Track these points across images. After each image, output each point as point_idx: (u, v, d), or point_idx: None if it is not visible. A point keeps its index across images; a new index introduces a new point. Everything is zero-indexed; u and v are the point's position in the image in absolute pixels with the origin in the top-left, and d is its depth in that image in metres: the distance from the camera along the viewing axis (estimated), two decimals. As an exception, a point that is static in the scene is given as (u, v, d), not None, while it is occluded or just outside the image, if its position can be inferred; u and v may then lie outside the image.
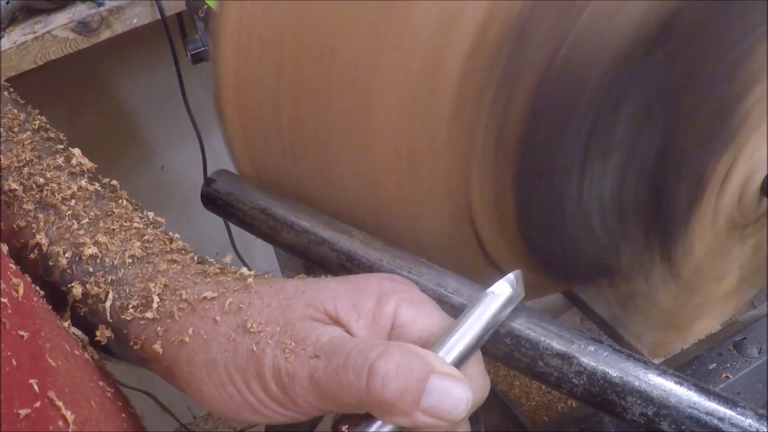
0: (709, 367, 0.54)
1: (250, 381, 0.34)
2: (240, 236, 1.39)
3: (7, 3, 1.05)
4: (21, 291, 0.31)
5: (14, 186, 0.41)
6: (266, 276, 0.39)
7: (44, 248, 0.40)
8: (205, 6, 0.99)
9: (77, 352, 0.35)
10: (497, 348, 0.37)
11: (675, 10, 0.38)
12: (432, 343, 0.35)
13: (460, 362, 0.34)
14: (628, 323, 0.51)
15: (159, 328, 0.36)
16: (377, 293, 0.36)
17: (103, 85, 1.38)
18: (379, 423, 0.33)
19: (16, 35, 1.06)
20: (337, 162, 0.47)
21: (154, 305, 0.37)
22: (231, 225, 0.89)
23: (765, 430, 0.32)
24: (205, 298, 0.36)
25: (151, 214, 0.44)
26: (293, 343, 0.33)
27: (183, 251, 0.41)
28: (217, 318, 0.36)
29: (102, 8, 1.06)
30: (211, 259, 0.41)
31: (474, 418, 0.45)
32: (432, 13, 0.39)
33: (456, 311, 0.39)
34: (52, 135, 0.47)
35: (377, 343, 0.33)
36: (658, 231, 0.47)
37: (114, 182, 0.46)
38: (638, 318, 0.52)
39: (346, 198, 0.48)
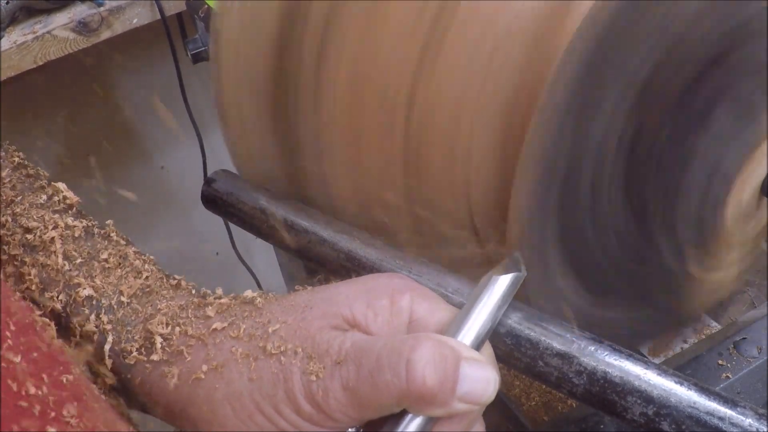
0: (710, 367, 0.54)
1: (280, 405, 0.33)
2: (240, 236, 1.39)
3: (7, 3, 1.05)
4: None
5: None
6: (270, 295, 0.38)
7: (35, 296, 0.38)
8: (205, 6, 0.99)
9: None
10: (497, 348, 0.37)
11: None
12: (447, 331, 0.35)
13: (478, 345, 0.35)
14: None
15: (167, 369, 0.34)
16: (390, 290, 0.36)
17: (103, 85, 1.38)
18: (407, 419, 0.32)
19: (16, 35, 1.06)
20: (333, 160, 0.47)
21: (158, 346, 0.35)
22: (231, 225, 0.89)
23: (765, 429, 0.32)
24: (215, 329, 0.35)
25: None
26: (318, 358, 0.33)
27: (181, 287, 0.39)
28: (233, 348, 0.34)
29: (102, 8, 1.06)
30: (208, 291, 0.39)
31: (474, 417, 0.45)
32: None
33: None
34: (31, 172, 0.44)
35: (404, 338, 0.32)
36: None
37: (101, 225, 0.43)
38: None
39: (344, 197, 0.48)
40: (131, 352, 0.35)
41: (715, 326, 0.63)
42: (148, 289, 0.38)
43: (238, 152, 0.52)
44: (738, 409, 0.33)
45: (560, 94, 0.37)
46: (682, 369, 0.55)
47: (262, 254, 1.54)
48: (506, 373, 0.65)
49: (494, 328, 0.36)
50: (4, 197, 0.41)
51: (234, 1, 0.46)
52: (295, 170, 0.49)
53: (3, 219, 0.40)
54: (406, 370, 0.31)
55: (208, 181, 0.52)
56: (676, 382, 0.34)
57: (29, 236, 0.39)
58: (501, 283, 0.36)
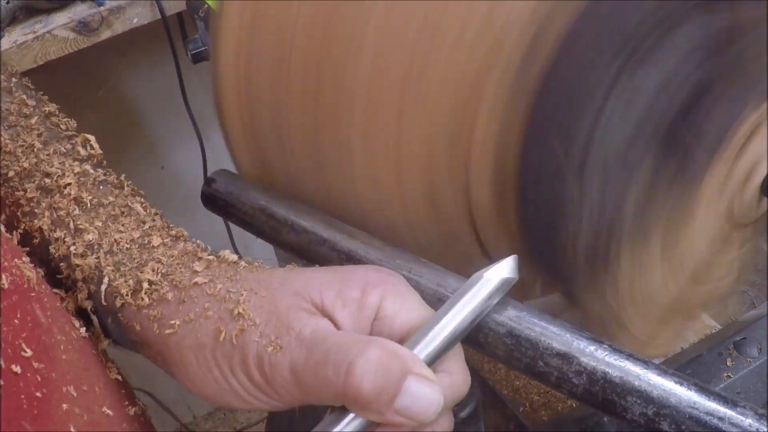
0: (710, 367, 0.54)
1: (235, 367, 0.35)
2: (240, 236, 1.39)
3: (8, 3, 1.05)
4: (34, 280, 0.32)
5: (18, 171, 0.42)
6: (256, 264, 0.40)
7: (46, 233, 0.40)
8: (205, 6, 0.99)
9: (82, 340, 0.36)
10: (497, 348, 0.37)
11: None
12: (411, 336, 0.35)
13: (438, 355, 0.35)
14: (624, 317, 0.51)
15: (150, 313, 0.37)
16: (363, 283, 0.36)
17: (103, 85, 1.38)
18: (350, 416, 0.33)
19: (17, 35, 1.06)
20: (333, 160, 0.47)
21: (143, 292, 0.37)
22: (231, 225, 0.89)
23: (765, 429, 0.32)
24: (196, 283, 0.37)
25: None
26: (277, 334, 0.34)
27: (181, 238, 0.42)
28: (206, 304, 0.36)
29: (102, 8, 1.06)
30: (209, 247, 0.41)
31: (474, 417, 0.45)
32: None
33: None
34: (60, 121, 0.47)
35: (358, 339, 0.33)
36: (665, 199, 0.46)
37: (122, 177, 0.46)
38: (635, 313, 0.52)
39: (343, 197, 0.48)
40: (122, 294, 0.37)
41: (715, 326, 0.63)
42: (148, 238, 0.40)
43: (238, 152, 0.52)
44: (738, 409, 0.33)
45: None
46: (682, 369, 0.55)
47: (262, 254, 1.54)
48: (506, 373, 0.65)
49: (488, 326, 0.36)
50: (29, 143, 0.43)
51: (234, 0, 0.46)
52: (295, 169, 0.49)
53: (26, 164, 0.42)
54: (346, 372, 0.32)
55: (208, 181, 0.52)
56: (676, 382, 0.34)
57: (47, 180, 0.42)
58: (482, 291, 0.36)
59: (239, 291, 0.36)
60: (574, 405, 0.60)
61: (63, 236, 0.40)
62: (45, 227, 0.40)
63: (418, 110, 0.42)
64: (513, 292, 0.39)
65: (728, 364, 0.54)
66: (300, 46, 0.43)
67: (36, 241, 0.41)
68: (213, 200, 0.52)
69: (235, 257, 0.39)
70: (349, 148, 0.45)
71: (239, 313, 0.35)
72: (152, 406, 1.48)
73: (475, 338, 0.38)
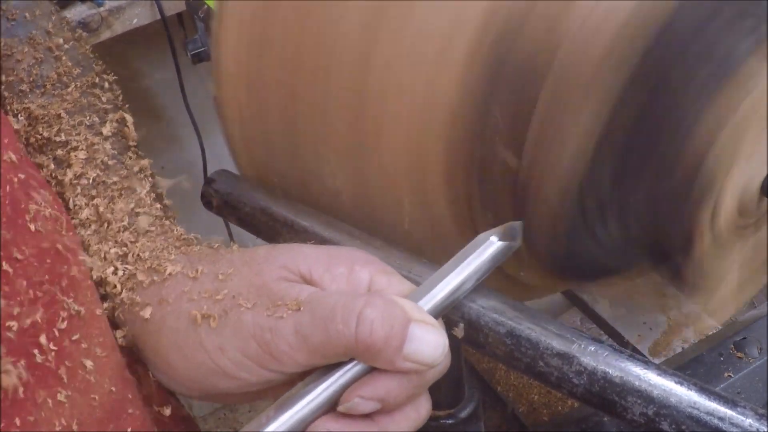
0: (710, 367, 0.54)
1: (225, 344, 0.34)
2: (240, 236, 1.39)
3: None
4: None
5: (38, 139, 0.42)
6: (235, 247, 0.40)
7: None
8: (205, 6, 0.99)
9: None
10: (497, 348, 0.37)
11: None
12: (415, 292, 0.36)
13: (441, 310, 0.36)
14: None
15: (130, 296, 0.37)
16: (350, 261, 0.37)
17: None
18: (342, 369, 0.34)
19: (16, 35, 1.06)
20: (334, 159, 0.47)
21: (117, 279, 0.37)
22: (231, 225, 0.89)
23: (765, 429, 0.32)
24: (173, 269, 0.37)
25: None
26: (271, 304, 0.34)
27: (171, 218, 0.42)
28: (186, 288, 0.36)
29: (102, 8, 1.06)
30: (199, 237, 0.41)
31: (474, 417, 0.45)
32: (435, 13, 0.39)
33: (455, 311, 0.39)
34: (103, 94, 0.47)
35: (359, 294, 0.34)
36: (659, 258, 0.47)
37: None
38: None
39: (343, 199, 0.48)
40: (107, 282, 0.37)
41: (715, 326, 0.63)
42: (136, 222, 0.40)
43: (237, 151, 0.52)
44: (738, 409, 0.33)
45: None
46: (682, 369, 0.55)
47: (262, 254, 1.54)
48: (506, 373, 0.65)
49: (488, 326, 0.37)
50: (55, 112, 0.43)
51: (235, 0, 0.46)
52: (295, 169, 0.49)
53: (46, 134, 0.42)
54: (357, 323, 0.32)
55: (208, 181, 0.52)
56: (676, 382, 0.34)
57: (60, 151, 0.42)
58: (488, 248, 0.37)
59: (223, 271, 0.36)
60: (574, 405, 0.60)
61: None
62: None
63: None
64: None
65: (739, 356, 0.54)
66: (308, 45, 0.43)
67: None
68: (213, 200, 0.52)
69: (217, 243, 0.40)
70: (364, 146, 0.44)
71: (224, 292, 0.35)
72: (152, 406, 1.48)
73: (475, 338, 0.38)
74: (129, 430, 0.34)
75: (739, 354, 0.54)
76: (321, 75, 0.44)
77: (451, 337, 0.39)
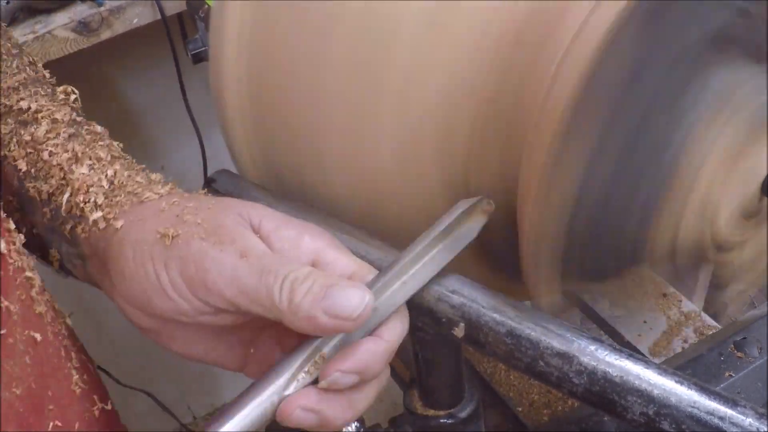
0: (710, 367, 0.54)
1: (170, 262, 0.36)
2: (240, 236, 1.38)
3: (7, 3, 1.05)
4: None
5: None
6: (203, 191, 0.43)
7: (16, 157, 0.42)
8: (206, 6, 0.99)
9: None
10: (498, 348, 0.37)
11: None
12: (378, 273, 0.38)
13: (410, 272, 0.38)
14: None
15: (107, 211, 0.38)
16: (302, 229, 0.38)
17: (103, 85, 1.38)
18: (306, 351, 0.35)
19: (16, 35, 1.06)
20: (333, 159, 0.47)
21: (102, 189, 0.39)
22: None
23: (765, 429, 0.32)
24: (148, 197, 0.39)
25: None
26: (221, 240, 0.36)
27: (147, 170, 0.43)
28: (155, 209, 0.38)
29: (102, 8, 1.06)
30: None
31: (474, 417, 0.45)
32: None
33: (456, 311, 0.39)
34: (42, 71, 0.49)
35: (295, 259, 0.36)
36: None
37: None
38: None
39: (343, 196, 0.48)
40: (79, 204, 0.39)
41: (715, 326, 0.63)
42: (112, 159, 0.42)
43: (237, 151, 0.52)
44: (738, 408, 0.33)
45: None
46: (682, 369, 0.55)
47: (262, 254, 1.54)
48: (506, 373, 0.65)
49: (488, 326, 0.37)
50: (11, 84, 0.45)
51: (235, 0, 0.46)
52: (295, 168, 0.49)
53: (7, 102, 0.44)
54: (283, 281, 0.34)
55: (208, 181, 0.52)
56: (676, 382, 0.34)
57: (25, 116, 0.43)
58: (453, 213, 0.39)
59: (189, 204, 0.38)
60: (574, 405, 0.60)
61: (36, 159, 0.41)
62: (17, 154, 0.41)
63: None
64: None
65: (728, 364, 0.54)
66: (307, 45, 0.43)
67: (8, 171, 0.42)
68: (213, 200, 0.51)
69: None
70: (374, 140, 0.44)
71: (187, 218, 0.37)
72: (152, 407, 1.48)
73: (475, 338, 0.38)
74: (50, 425, 0.34)
75: (739, 354, 0.54)
76: (320, 75, 0.44)
77: (452, 337, 0.39)
